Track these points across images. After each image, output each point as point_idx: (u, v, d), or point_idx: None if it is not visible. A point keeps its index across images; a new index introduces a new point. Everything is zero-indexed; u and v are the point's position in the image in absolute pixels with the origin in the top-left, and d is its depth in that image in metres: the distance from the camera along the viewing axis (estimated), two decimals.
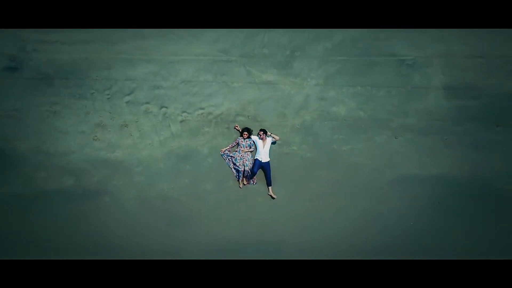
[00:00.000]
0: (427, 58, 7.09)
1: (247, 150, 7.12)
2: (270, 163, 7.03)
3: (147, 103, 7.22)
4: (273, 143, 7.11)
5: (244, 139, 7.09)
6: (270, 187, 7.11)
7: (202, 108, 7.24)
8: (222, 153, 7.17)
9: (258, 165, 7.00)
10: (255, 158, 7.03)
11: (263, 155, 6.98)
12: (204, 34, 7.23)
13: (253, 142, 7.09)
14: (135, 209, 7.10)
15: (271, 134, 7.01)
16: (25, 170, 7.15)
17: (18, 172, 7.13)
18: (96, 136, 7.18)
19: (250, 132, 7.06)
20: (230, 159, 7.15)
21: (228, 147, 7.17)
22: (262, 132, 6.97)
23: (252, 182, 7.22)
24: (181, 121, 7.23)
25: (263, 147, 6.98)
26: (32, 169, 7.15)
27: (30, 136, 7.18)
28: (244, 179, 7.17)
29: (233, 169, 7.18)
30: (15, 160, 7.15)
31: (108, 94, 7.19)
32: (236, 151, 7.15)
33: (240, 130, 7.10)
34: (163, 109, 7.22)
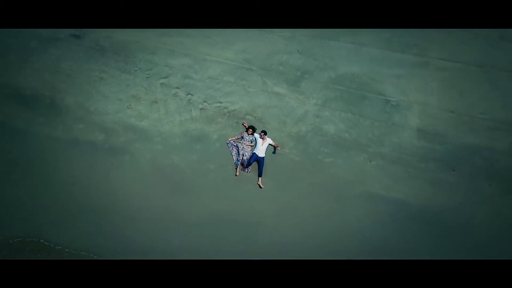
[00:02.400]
0: (409, 103, 8.62)
1: (248, 144, 8.65)
2: (265, 159, 8.55)
3: (177, 88, 8.77)
4: (273, 151, 8.61)
5: (248, 135, 8.61)
6: (260, 178, 8.61)
7: (220, 102, 8.77)
8: (228, 141, 8.69)
9: (255, 158, 8.52)
10: (254, 152, 8.55)
11: (260, 151, 8.50)
12: (235, 43, 8.79)
13: (255, 138, 8.61)
14: (148, 171, 8.62)
15: (275, 143, 8.49)
16: (67, 119, 8.70)
17: (61, 120, 8.68)
18: (130, 105, 8.72)
19: (254, 130, 8.58)
20: (233, 148, 8.66)
21: (234, 138, 8.70)
22: (263, 133, 8.49)
23: (246, 170, 8.73)
24: (201, 109, 8.77)
25: (262, 144, 8.49)
26: (72, 120, 8.71)
27: (78, 93, 8.75)
28: (241, 166, 8.68)
29: (233, 156, 8.70)
30: (61, 109, 8.71)
31: (147, 74, 8.75)
32: (240, 142, 8.67)
33: (247, 127, 8.62)
34: (189, 96, 8.77)
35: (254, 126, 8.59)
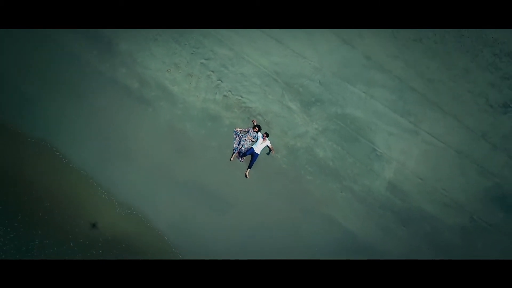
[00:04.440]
0: (390, 158, 10.10)
1: (250, 139, 10.12)
2: (258, 156, 10.03)
3: (212, 71, 10.25)
4: (268, 153, 10.09)
5: (253, 131, 10.09)
6: (248, 170, 10.08)
7: (241, 97, 10.25)
8: (235, 130, 10.15)
9: (251, 152, 9.99)
10: (252, 146, 10.02)
11: (258, 148, 9.97)
12: (272, 55, 10.24)
13: (258, 136, 10.08)
14: (162, 127, 10.09)
15: (272, 147, 9.95)
16: (115, 60, 10.16)
17: (110, 59, 10.15)
18: (170, 69, 10.20)
19: (259, 129, 10.06)
20: (237, 137, 10.12)
21: (241, 129, 10.16)
22: (265, 135, 9.97)
23: (240, 159, 10.20)
24: (224, 96, 10.25)
25: (261, 143, 9.96)
26: (119, 63, 10.17)
27: (133, 44, 10.16)
28: (237, 154, 10.15)
29: (234, 144, 10.16)
30: (114, 51, 10.17)
31: (193, 51, 10.24)
32: (244, 135, 10.14)
33: (255, 124, 10.10)
34: (219, 81, 10.25)
35: (261, 126, 10.06)
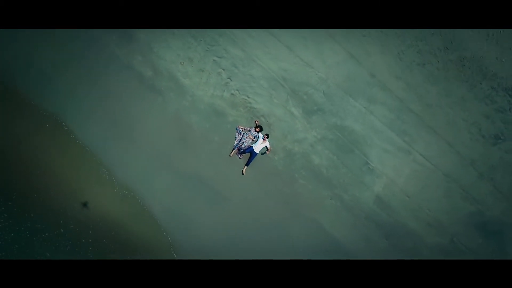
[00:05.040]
0: (381, 173, 10.55)
1: (251, 138, 10.58)
2: (257, 155, 10.49)
3: (223, 69, 10.72)
4: (264, 152, 10.55)
5: (255, 131, 10.54)
6: (246, 167, 10.54)
7: (248, 97, 10.72)
8: (238, 128, 10.61)
9: (250, 150, 10.44)
10: (252, 145, 10.48)
11: (257, 148, 10.42)
12: (282, 61, 10.71)
13: (258, 136, 10.54)
14: (169, 116, 10.54)
15: (270, 148, 10.42)
16: (133, 47, 10.61)
17: (129, 46, 10.61)
18: (183, 62, 10.67)
19: (261, 130, 10.52)
20: (239, 134, 10.58)
21: (244, 128, 10.62)
22: (266, 136, 10.43)
23: (239, 156, 10.65)
24: (231, 94, 10.71)
25: (260, 143, 10.41)
26: (136, 50, 10.62)
27: (151, 34, 10.54)
28: (237, 151, 10.61)
29: (235, 140, 10.61)
30: (132, 38, 10.62)
31: (208, 48, 10.70)
32: (246, 133, 10.60)
33: (257, 125, 10.56)
34: (228, 80, 10.71)
35: (263, 127, 10.53)
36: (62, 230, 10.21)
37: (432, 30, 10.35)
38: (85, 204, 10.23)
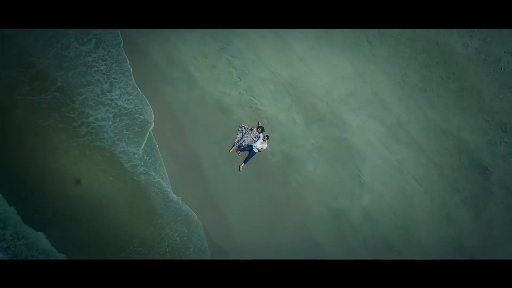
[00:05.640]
0: (372, 188, 11.05)
1: (252, 137, 11.06)
2: (256, 154, 10.97)
3: (234, 69, 11.20)
4: (259, 149, 11.05)
5: (257, 131, 11.02)
6: (243, 164, 11.03)
7: (254, 98, 11.20)
8: (241, 126, 11.09)
9: (249, 149, 10.91)
10: (252, 144, 10.96)
11: (256, 147, 10.92)
12: (291, 69, 11.18)
13: (259, 136, 11.03)
14: (175, 105, 10.97)
15: (265, 148, 10.92)
16: (152, 36, 11.11)
17: (148, 35, 11.10)
18: (197, 57, 11.16)
19: (263, 130, 10.99)
20: (241, 132, 11.04)
21: (246, 127, 11.10)
22: (266, 137, 10.89)
23: (238, 153, 11.14)
24: (239, 93, 11.19)
25: (260, 144, 10.89)
26: (155, 40, 11.11)
27: (173, 31, 11.08)
28: (237, 147, 11.10)
29: (237, 137, 11.07)
30: (156, 30, 11.15)
31: (222, 46, 11.18)
32: (247, 132, 11.07)
33: (259, 125, 11.03)
34: (238, 79, 11.19)
35: (264, 128, 11.02)
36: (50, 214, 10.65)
37: (438, 59, 10.86)
38: (78, 181, 10.64)
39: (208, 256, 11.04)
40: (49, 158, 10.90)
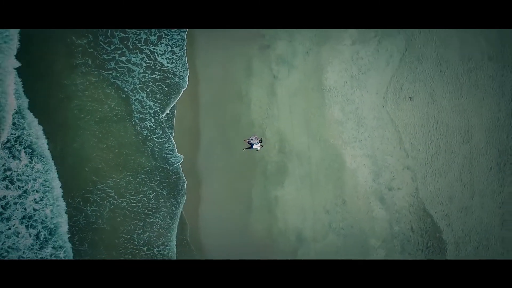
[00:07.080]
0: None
1: (256, 141, 12.24)
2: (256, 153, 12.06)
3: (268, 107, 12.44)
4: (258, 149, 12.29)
5: (256, 138, 12.13)
6: (246, 149, 11.59)
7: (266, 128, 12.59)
8: (254, 135, 11.55)
9: (251, 146, 12.10)
10: (253, 143, 12.01)
11: (256, 146, 12.22)
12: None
13: (257, 143, 11.83)
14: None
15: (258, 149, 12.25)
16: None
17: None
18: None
19: (261, 141, 11.86)
20: (254, 137, 11.92)
21: (255, 136, 11.86)
22: (260, 142, 12.33)
23: (246, 147, 12.01)
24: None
25: (259, 145, 12.22)
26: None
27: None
28: (247, 143, 11.94)
29: (250, 139, 11.96)
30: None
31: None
32: (255, 138, 12.12)
33: (260, 138, 12.10)
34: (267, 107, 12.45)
35: (263, 139, 11.78)
36: None
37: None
38: None
39: (175, 224, 11.11)
40: (64, 72, 10.64)
